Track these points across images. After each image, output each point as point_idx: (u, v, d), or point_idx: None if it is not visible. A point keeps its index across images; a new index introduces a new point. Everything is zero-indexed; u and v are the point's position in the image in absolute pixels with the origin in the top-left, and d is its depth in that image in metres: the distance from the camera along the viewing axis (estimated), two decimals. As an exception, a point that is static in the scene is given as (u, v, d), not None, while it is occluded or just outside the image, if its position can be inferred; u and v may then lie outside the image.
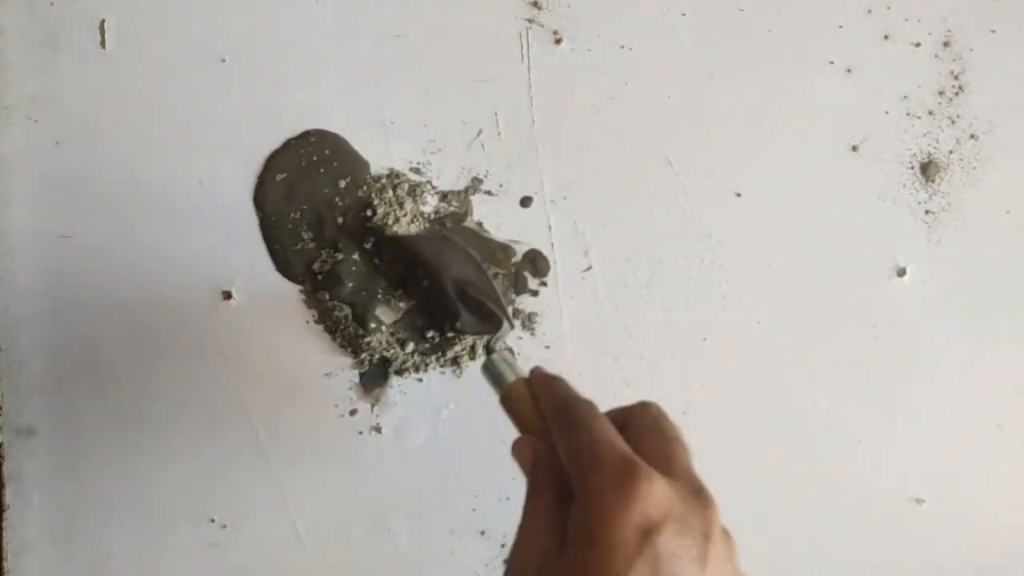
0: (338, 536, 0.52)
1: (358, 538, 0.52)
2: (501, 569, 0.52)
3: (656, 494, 0.29)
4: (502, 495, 0.52)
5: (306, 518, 0.52)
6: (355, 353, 0.51)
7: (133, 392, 0.51)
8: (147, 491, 0.51)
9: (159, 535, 0.51)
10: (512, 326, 0.44)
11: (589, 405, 0.34)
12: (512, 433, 0.37)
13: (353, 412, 0.52)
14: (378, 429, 0.52)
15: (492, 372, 0.38)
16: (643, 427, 0.34)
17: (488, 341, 0.41)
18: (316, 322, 0.51)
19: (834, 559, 0.54)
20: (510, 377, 0.38)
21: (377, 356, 0.51)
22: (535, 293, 0.52)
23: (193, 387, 0.51)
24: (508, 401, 0.37)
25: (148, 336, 0.51)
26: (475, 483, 0.52)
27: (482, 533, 0.52)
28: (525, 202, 0.52)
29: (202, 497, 0.51)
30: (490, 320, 0.43)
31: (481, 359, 0.50)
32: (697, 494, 0.31)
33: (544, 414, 0.36)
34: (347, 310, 0.50)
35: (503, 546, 0.52)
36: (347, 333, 0.51)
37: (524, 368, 0.39)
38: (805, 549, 0.53)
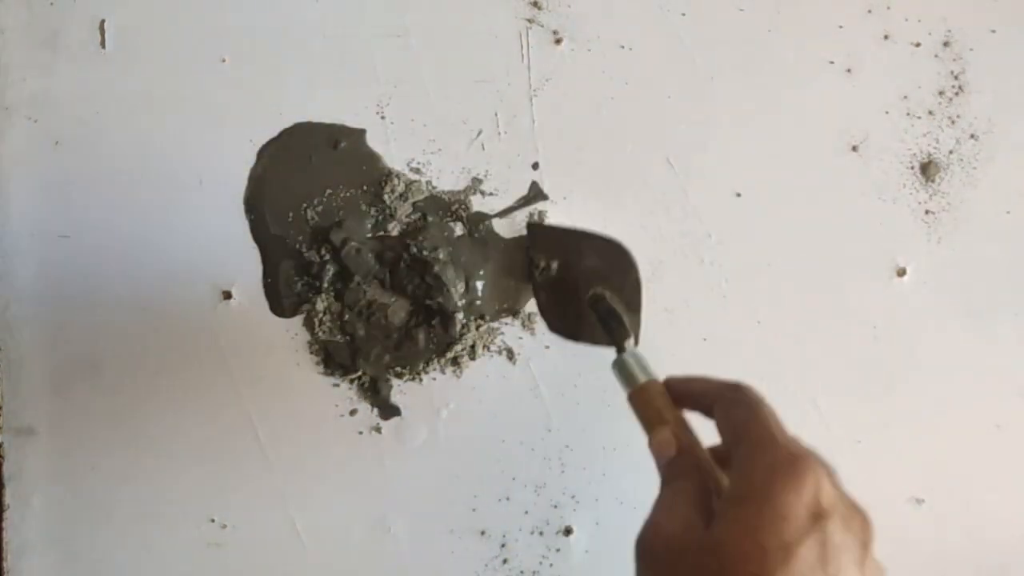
0: (338, 536, 0.52)
1: (358, 538, 0.52)
2: (501, 569, 0.52)
3: (827, 486, 0.30)
4: (502, 495, 0.52)
5: (306, 518, 0.52)
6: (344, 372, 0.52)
7: (133, 392, 0.51)
8: (147, 491, 0.51)
9: (159, 535, 0.51)
10: (636, 344, 0.45)
11: (757, 392, 0.35)
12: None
13: (353, 412, 0.52)
14: (378, 429, 0.52)
15: (620, 370, 0.40)
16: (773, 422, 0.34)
17: (618, 352, 0.42)
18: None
19: (834, 559, 0.54)
20: (641, 377, 0.39)
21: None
22: None
23: (193, 387, 0.51)
24: (640, 396, 0.39)
25: (148, 336, 0.51)
26: (475, 483, 0.52)
27: (482, 533, 0.52)
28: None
29: (202, 497, 0.51)
30: (620, 330, 0.44)
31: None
32: (856, 507, 0.31)
33: (674, 411, 0.37)
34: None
35: (503, 546, 0.52)
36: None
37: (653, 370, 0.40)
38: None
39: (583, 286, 0.48)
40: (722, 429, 0.35)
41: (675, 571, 0.30)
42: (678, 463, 0.35)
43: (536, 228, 0.52)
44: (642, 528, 0.33)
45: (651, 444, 0.37)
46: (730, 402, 0.35)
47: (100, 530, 0.51)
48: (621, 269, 0.49)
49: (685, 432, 0.37)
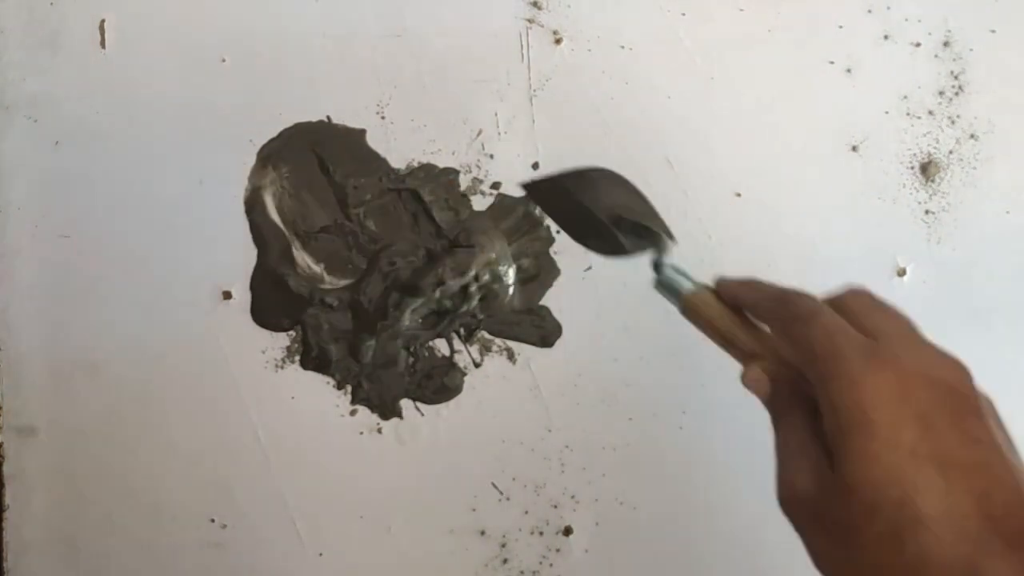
0: (338, 536, 0.52)
1: (358, 538, 0.52)
2: (501, 569, 0.52)
3: (907, 368, 0.27)
4: (502, 495, 0.52)
5: (306, 518, 0.52)
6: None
7: (133, 392, 0.51)
8: (147, 491, 0.51)
9: (159, 535, 0.51)
10: (674, 239, 0.42)
11: (810, 296, 0.32)
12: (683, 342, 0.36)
13: (353, 412, 0.52)
14: (378, 429, 0.52)
15: (667, 286, 0.38)
16: (863, 310, 0.31)
17: (655, 259, 0.40)
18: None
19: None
20: (687, 286, 0.37)
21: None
22: None
23: (193, 387, 0.51)
24: (693, 309, 0.36)
25: (148, 336, 0.51)
26: (475, 483, 0.52)
27: (482, 533, 0.52)
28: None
29: (202, 497, 0.51)
30: (649, 238, 0.42)
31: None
32: (945, 359, 0.29)
33: (743, 316, 0.34)
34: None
35: (503, 546, 0.52)
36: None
37: (697, 276, 0.38)
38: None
39: (603, 215, 0.44)
40: (786, 345, 0.32)
41: (823, 522, 0.28)
42: (778, 397, 0.32)
43: (532, 186, 0.51)
44: (776, 486, 0.30)
45: (744, 382, 0.34)
46: (786, 321, 0.31)
47: (100, 530, 0.51)
48: (618, 186, 0.46)
49: (762, 345, 0.34)
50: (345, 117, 0.52)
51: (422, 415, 0.52)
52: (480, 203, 0.52)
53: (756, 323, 0.35)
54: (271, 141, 0.52)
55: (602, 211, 0.43)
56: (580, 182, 0.45)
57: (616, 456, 0.52)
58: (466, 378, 0.52)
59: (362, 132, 0.52)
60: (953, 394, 0.27)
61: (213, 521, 0.51)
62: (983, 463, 0.26)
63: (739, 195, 0.53)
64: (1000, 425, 0.29)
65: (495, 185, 0.52)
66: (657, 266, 0.39)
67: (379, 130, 0.52)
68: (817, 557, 0.28)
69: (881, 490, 0.26)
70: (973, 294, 0.54)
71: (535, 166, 0.52)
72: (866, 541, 0.26)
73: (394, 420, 0.52)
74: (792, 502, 0.29)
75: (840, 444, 0.27)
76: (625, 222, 0.43)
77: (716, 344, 0.36)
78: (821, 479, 0.28)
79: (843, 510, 0.27)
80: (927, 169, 0.54)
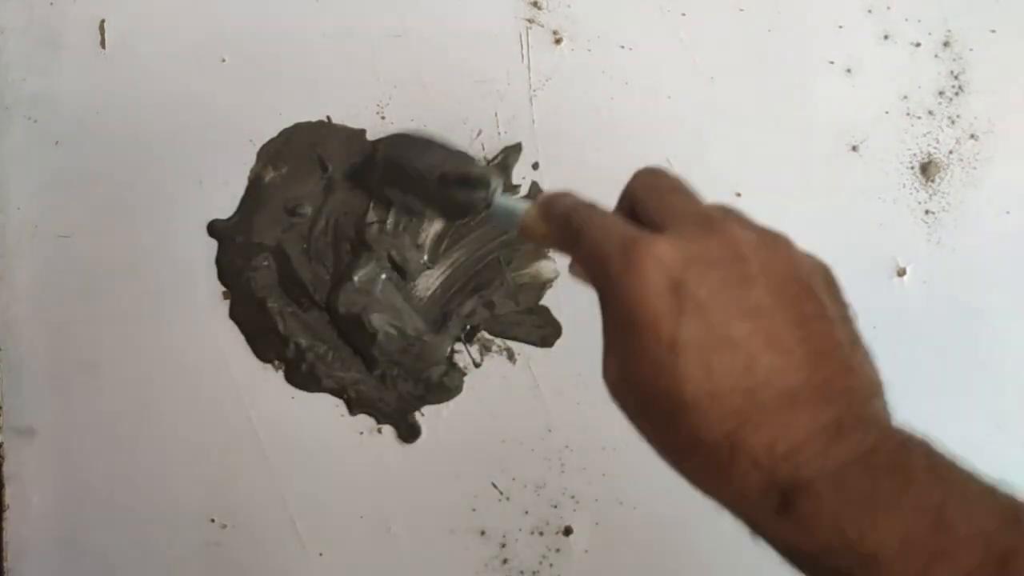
0: (338, 536, 0.52)
1: (358, 538, 0.52)
2: (501, 569, 0.52)
3: (661, 252, 0.26)
4: (502, 495, 0.52)
5: (306, 518, 0.52)
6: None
7: (133, 392, 0.51)
8: (147, 491, 0.51)
9: (159, 535, 0.51)
10: (501, 176, 0.42)
11: (588, 205, 0.31)
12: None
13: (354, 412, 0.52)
14: (378, 429, 0.52)
15: (498, 217, 0.38)
16: (640, 196, 0.31)
17: (485, 196, 0.39)
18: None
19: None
20: (518, 210, 0.36)
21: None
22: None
23: (193, 387, 0.51)
24: (525, 231, 0.36)
25: (148, 336, 0.51)
26: (475, 483, 0.52)
27: (482, 533, 0.52)
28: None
29: (202, 497, 0.51)
30: (479, 185, 0.40)
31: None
32: (705, 225, 0.27)
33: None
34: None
35: (503, 546, 0.52)
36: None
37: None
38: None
39: (427, 180, 0.42)
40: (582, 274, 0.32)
41: (626, 408, 0.29)
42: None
43: (355, 170, 0.49)
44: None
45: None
46: (569, 240, 0.31)
47: (100, 530, 0.51)
48: (426, 147, 0.43)
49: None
50: (345, 117, 0.52)
51: (422, 415, 0.52)
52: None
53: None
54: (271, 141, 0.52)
55: (428, 177, 0.42)
56: (398, 151, 0.44)
57: (616, 456, 0.52)
58: (466, 378, 0.52)
59: (362, 132, 0.52)
60: (722, 266, 0.26)
61: (213, 521, 0.51)
62: (752, 334, 0.25)
63: (739, 195, 0.53)
64: (813, 286, 0.29)
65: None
66: (488, 204, 0.39)
67: (379, 130, 0.52)
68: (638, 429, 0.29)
69: (652, 383, 0.26)
70: (973, 294, 0.54)
71: (535, 166, 0.52)
72: (655, 427, 0.28)
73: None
74: (608, 386, 0.29)
75: (614, 345, 0.28)
76: (451, 180, 0.41)
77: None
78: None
79: (631, 402, 0.28)
80: (927, 169, 0.54)
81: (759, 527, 0.27)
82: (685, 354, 0.25)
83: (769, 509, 0.25)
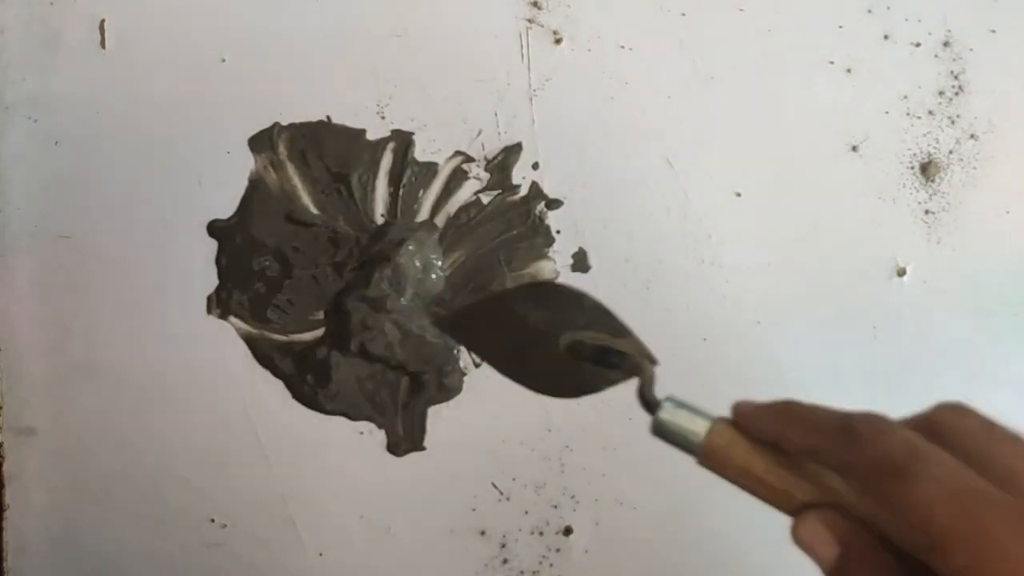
0: (338, 536, 0.52)
1: (358, 538, 0.52)
2: (501, 569, 0.52)
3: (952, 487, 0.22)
4: (502, 495, 0.52)
5: (306, 518, 0.52)
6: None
7: (133, 392, 0.51)
8: (147, 491, 0.51)
9: (159, 535, 0.51)
10: (655, 361, 0.33)
11: (887, 423, 0.25)
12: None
13: (353, 412, 0.52)
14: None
15: (669, 432, 0.29)
16: (973, 440, 0.26)
17: (641, 393, 0.30)
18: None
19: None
20: (699, 428, 0.28)
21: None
22: None
23: (193, 387, 0.51)
24: (713, 457, 0.28)
25: (148, 336, 0.51)
26: (475, 483, 0.52)
27: (482, 533, 0.52)
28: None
29: (202, 497, 0.51)
30: (622, 366, 0.32)
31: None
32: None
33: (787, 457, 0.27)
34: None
35: (503, 546, 0.52)
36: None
37: (708, 407, 0.30)
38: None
39: (550, 343, 0.35)
40: (871, 514, 0.25)
41: None
42: (853, 565, 0.25)
43: (447, 320, 0.43)
44: None
45: (796, 538, 0.27)
46: (868, 474, 0.25)
47: (100, 530, 0.51)
48: (569, 302, 0.37)
49: (816, 486, 0.26)
50: (345, 117, 0.52)
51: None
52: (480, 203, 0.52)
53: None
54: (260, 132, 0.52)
55: (558, 335, 0.34)
56: (521, 302, 0.36)
57: (616, 456, 0.52)
58: (466, 378, 0.52)
59: (362, 132, 0.52)
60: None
61: (213, 521, 0.51)
62: None
63: (739, 195, 0.53)
64: None
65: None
66: (648, 403, 0.30)
67: (379, 130, 0.52)
68: None
69: None
70: (973, 294, 0.54)
71: (535, 166, 0.52)
72: None
73: (394, 420, 0.52)
74: None
75: None
76: (584, 347, 0.34)
77: (745, 491, 0.28)
78: None
79: None
80: (927, 169, 0.54)
81: None
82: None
83: None
